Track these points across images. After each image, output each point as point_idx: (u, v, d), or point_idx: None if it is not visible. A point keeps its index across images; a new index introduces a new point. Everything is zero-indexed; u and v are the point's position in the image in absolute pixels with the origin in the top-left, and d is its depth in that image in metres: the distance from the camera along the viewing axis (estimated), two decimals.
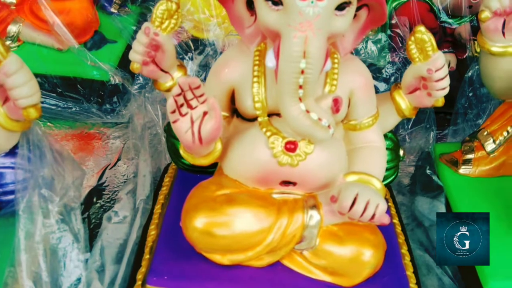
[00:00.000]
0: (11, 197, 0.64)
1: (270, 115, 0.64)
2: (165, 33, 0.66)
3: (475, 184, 0.83)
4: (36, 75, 1.05)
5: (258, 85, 0.62)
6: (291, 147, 0.62)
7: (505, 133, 0.81)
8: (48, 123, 1.06)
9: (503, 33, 0.71)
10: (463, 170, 0.84)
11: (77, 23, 1.06)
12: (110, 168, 0.96)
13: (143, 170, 0.85)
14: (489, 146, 0.82)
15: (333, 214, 0.63)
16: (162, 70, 0.69)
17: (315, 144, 0.62)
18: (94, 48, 1.12)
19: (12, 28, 1.07)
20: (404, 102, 0.71)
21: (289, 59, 0.54)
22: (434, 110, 1.02)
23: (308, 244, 0.64)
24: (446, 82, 0.66)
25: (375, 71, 1.02)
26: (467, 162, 0.84)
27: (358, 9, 0.59)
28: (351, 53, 0.66)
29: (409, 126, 1.04)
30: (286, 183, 0.64)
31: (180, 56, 1.07)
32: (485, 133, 0.83)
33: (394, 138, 0.78)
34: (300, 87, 0.55)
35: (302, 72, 0.54)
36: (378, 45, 1.02)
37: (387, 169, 0.74)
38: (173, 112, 0.57)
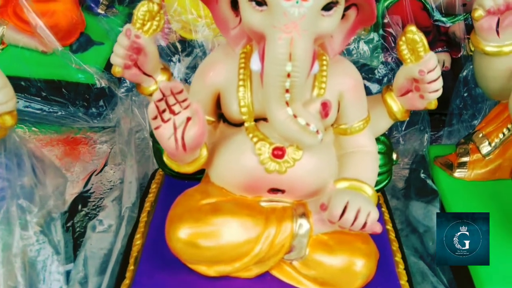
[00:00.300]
0: None
1: (257, 119, 0.61)
2: (147, 35, 0.63)
3: (471, 187, 0.81)
4: (20, 79, 1.05)
5: (244, 89, 0.60)
6: (278, 153, 0.59)
7: (500, 135, 0.79)
8: (33, 128, 1.04)
9: (497, 32, 0.69)
10: (458, 173, 0.82)
11: (62, 25, 1.03)
12: (96, 174, 0.94)
13: (129, 177, 0.83)
14: (485, 148, 0.80)
15: (323, 222, 0.60)
16: (145, 73, 0.66)
17: (303, 150, 0.60)
18: (80, 50, 1.09)
19: None
20: (396, 105, 0.68)
21: (275, 61, 0.52)
22: (428, 111, 0.99)
23: (297, 254, 0.61)
24: (439, 83, 0.63)
25: (368, 71, 1.00)
26: (462, 165, 0.82)
27: (346, 8, 0.57)
28: (341, 54, 0.64)
29: (403, 128, 1.02)
30: (274, 190, 0.62)
31: (168, 58, 1.04)
32: (480, 135, 0.81)
33: (387, 142, 0.76)
34: (287, 91, 0.53)
35: (288, 75, 0.52)
36: (371, 45, 1.00)
37: (379, 174, 0.72)
38: (155, 118, 0.55)
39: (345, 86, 0.62)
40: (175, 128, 0.55)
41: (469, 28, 1.08)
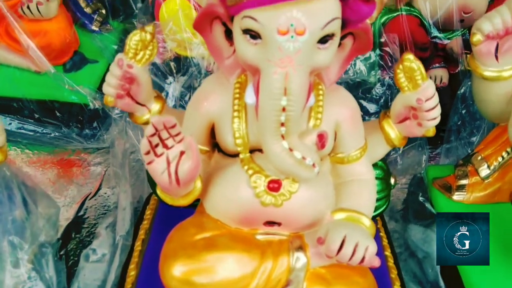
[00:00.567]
0: None
1: (252, 150, 0.60)
2: (140, 65, 0.62)
3: (469, 211, 0.79)
4: (13, 100, 1.04)
5: (238, 120, 0.59)
6: (274, 186, 0.58)
7: (499, 159, 0.78)
8: (26, 150, 1.02)
9: (496, 57, 0.68)
10: (456, 196, 0.81)
11: (55, 45, 1.02)
12: (90, 198, 0.92)
13: (123, 203, 0.81)
14: (484, 171, 0.79)
15: (321, 255, 0.59)
16: (138, 102, 0.65)
17: (300, 183, 0.59)
18: (73, 69, 1.08)
19: None
20: (394, 132, 0.67)
21: (269, 96, 0.51)
22: None
23: None
24: (437, 111, 0.62)
25: (365, 91, 0.99)
26: (461, 188, 0.81)
27: (343, 37, 0.56)
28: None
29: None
30: (270, 223, 0.61)
31: (164, 77, 1.03)
32: (479, 157, 0.80)
33: (384, 167, 0.75)
34: (282, 124, 0.52)
35: (284, 109, 0.51)
36: (367, 63, 0.99)
37: (377, 199, 0.71)
38: (147, 153, 0.53)
39: (341, 116, 0.61)
40: (168, 163, 0.54)
41: (467, 43, 1.07)
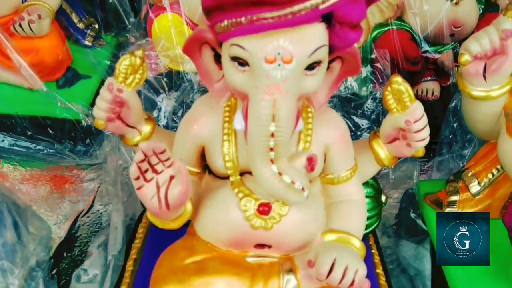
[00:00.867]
0: None
1: (243, 173, 0.60)
2: (130, 89, 0.62)
3: None
4: (5, 116, 1.04)
5: (228, 143, 0.59)
6: (264, 209, 0.59)
7: (490, 176, 0.78)
8: (19, 166, 1.02)
9: (484, 76, 0.68)
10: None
11: (47, 62, 1.02)
12: (83, 216, 0.92)
13: (115, 221, 0.81)
14: (474, 188, 0.79)
15: (311, 278, 0.59)
16: (128, 125, 0.66)
17: (290, 205, 0.59)
18: (66, 85, 1.08)
19: None
20: (383, 152, 0.68)
21: (258, 122, 0.51)
22: None
23: None
24: (426, 133, 0.63)
25: (356, 107, 0.99)
26: (452, 204, 0.81)
27: (331, 61, 0.56)
28: None
29: None
30: (261, 245, 0.61)
31: (156, 93, 1.03)
32: (470, 174, 0.80)
33: (375, 184, 0.75)
34: (271, 149, 0.52)
35: (272, 135, 0.51)
36: (359, 79, 0.99)
37: (369, 218, 0.71)
38: (137, 178, 0.53)
39: (331, 138, 0.61)
40: (158, 188, 0.54)
41: (457, 56, 1.08)
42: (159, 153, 0.53)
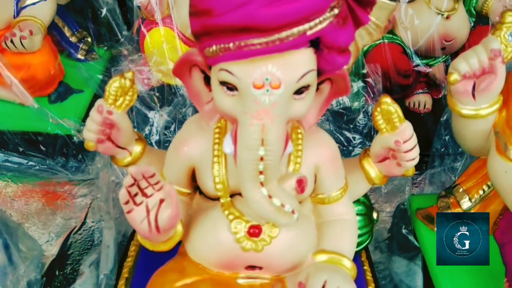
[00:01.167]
0: None
1: (233, 194, 0.60)
2: (120, 111, 0.62)
3: None
4: None
5: (218, 165, 0.59)
6: (255, 231, 0.59)
7: (480, 192, 0.78)
8: (11, 182, 1.02)
9: (474, 95, 0.69)
10: None
11: (39, 78, 1.01)
12: (75, 233, 0.92)
13: (107, 240, 0.81)
14: (465, 204, 0.80)
15: None
16: (119, 146, 0.65)
17: (280, 227, 0.59)
18: (58, 100, 1.08)
19: None
20: (374, 171, 0.68)
21: (247, 146, 0.51)
22: None
23: None
24: (415, 152, 0.63)
25: (348, 122, 1.00)
26: None
27: (320, 83, 0.56)
28: None
29: None
30: (252, 267, 0.61)
31: (148, 108, 1.03)
32: (461, 189, 0.80)
33: (367, 202, 0.75)
34: (261, 172, 0.52)
35: (262, 159, 0.51)
36: (351, 94, 1.00)
37: (360, 235, 0.71)
38: (127, 203, 0.53)
39: (321, 158, 0.62)
40: (148, 211, 0.54)
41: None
42: (149, 177, 0.53)
